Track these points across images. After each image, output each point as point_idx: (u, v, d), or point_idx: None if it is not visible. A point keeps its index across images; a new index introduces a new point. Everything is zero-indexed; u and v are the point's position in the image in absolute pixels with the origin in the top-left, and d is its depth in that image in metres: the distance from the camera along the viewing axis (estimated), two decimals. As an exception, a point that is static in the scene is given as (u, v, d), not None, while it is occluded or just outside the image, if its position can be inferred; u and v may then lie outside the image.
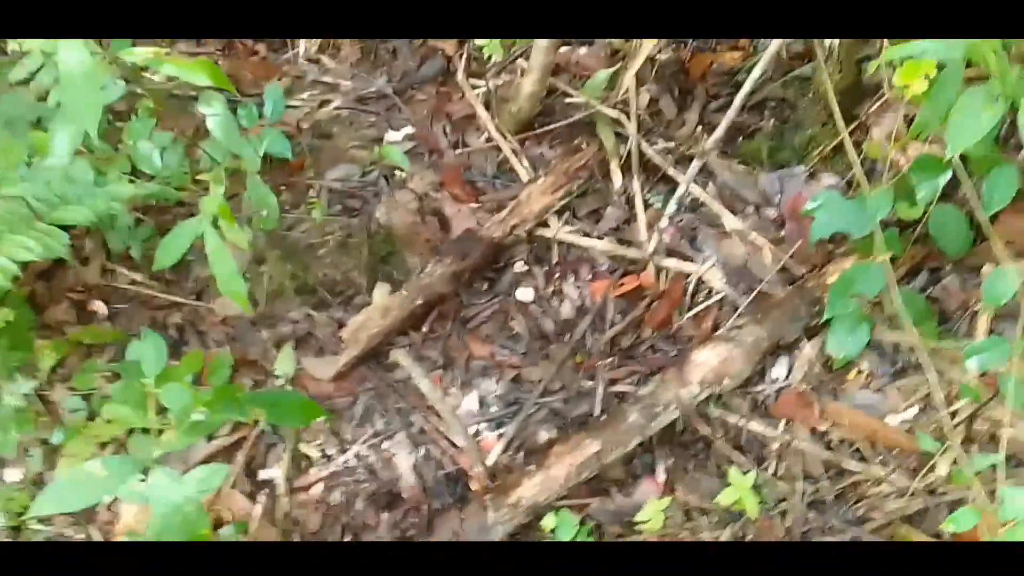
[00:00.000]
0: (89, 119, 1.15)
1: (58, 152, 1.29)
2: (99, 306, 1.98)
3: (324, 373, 1.89)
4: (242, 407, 1.35)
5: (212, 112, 1.50)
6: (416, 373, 1.83)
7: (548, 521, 1.65)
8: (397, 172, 2.12)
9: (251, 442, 1.81)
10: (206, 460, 1.78)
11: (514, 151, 2.12)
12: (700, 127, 2.06)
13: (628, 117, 2.06)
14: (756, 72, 1.66)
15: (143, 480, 1.30)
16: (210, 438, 1.81)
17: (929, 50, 1.12)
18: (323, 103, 2.28)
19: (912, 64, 1.10)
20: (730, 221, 1.89)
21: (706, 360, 1.72)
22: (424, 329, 1.96)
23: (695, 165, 1.81)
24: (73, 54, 1.18)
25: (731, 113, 1.71)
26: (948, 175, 1.55)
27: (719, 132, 1.77)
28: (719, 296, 1.86)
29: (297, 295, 1.99)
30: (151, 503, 1.28)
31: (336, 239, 2.03)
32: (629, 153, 2.03)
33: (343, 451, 1.83)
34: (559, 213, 2.03)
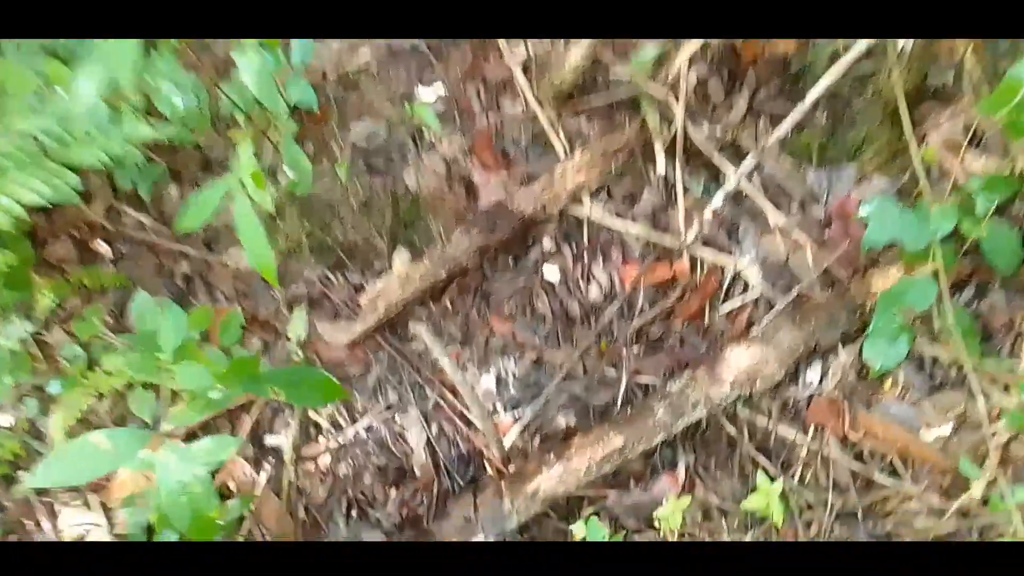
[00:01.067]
0: (123, 67, 1.04)
1: (83, 96, 1.18)
2: (103, 247, 1.87)
3: (339, 339, 1.81)
4: (261, 385, 1.25)
5: (246, 62, 1.39)
6: (437, 349, 1.75)
7: (578, 529, 1.58)
8: (425, 131, 2.02)
9: (258, 407, 1.73)
10: (210, 421, 1.70)
11: (551, 123, 2.02)
12: (748, 115, 1.97)
13: (676, 99, 1.96)
14: (826, 80, 1.59)
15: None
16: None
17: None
18: (351, 52, 2.16)
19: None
20: (774, 217, 1.82)
21: (738, 360, 1.66)
22: (444, 302, 1.88)
23: (749, 161, 1.73)
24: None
25: (795, 114, 1.63)
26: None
27: (781, 131, 1.68)
28: (755, 293, 1.80)
29: (313, 254, 1.90)
30: (157, 480, 1.20)
31: (358, 199, 1.93)
32: (673, 136, 1.94)
33: (354, 422, 1.76)
34: (594, 192, 1.94)
